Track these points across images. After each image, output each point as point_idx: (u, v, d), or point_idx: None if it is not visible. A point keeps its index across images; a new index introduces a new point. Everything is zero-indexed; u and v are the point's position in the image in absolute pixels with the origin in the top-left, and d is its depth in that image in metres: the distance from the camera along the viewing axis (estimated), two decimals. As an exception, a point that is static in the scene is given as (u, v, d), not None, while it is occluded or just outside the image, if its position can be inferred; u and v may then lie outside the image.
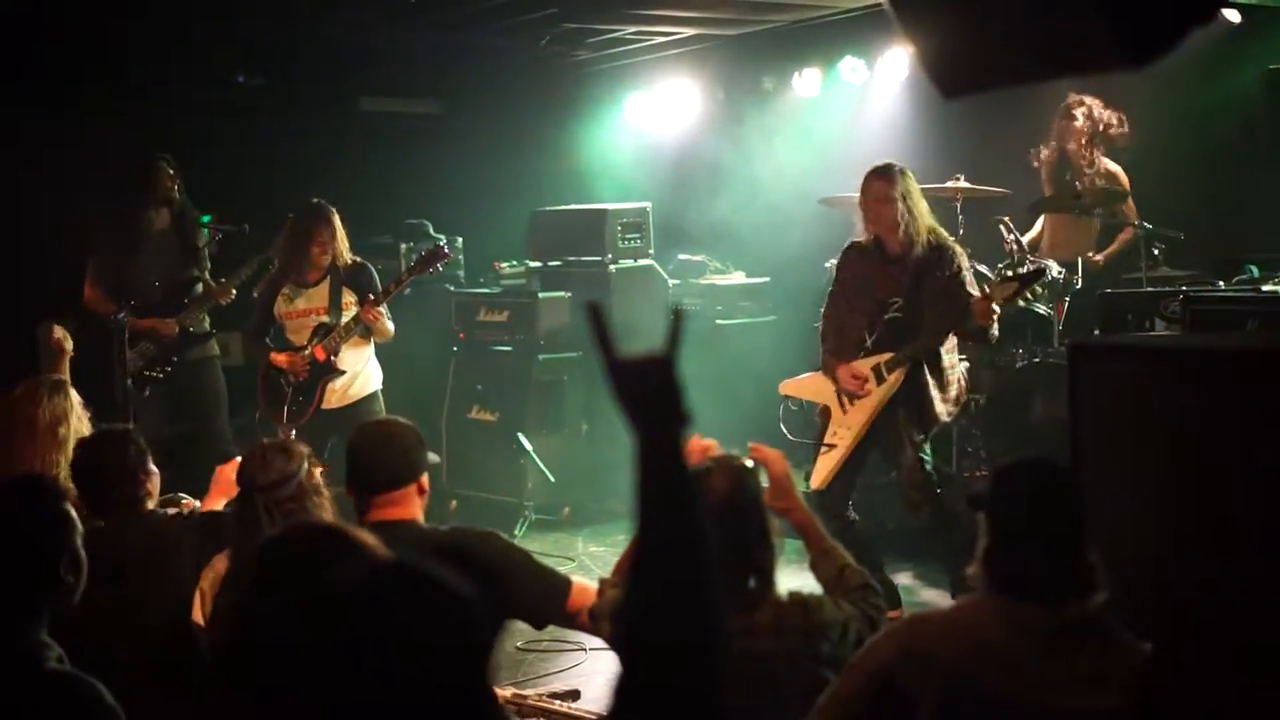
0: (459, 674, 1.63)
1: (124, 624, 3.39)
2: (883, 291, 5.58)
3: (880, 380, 5.52)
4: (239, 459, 4.14)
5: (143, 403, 6.48)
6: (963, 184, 6.82)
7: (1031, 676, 2.51)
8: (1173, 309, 5.56)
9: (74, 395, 4.36)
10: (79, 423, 4.28)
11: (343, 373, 5.97)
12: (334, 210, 6.11)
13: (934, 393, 5.53)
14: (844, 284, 5.72)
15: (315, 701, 1.60)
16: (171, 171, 6.75)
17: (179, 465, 4.74)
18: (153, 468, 3.80)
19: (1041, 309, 6.71)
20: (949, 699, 2.54)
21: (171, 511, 4.02)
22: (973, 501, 2.74)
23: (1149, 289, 6.28)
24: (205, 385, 6.76)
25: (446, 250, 5.95)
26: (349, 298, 6.03)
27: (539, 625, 3.49)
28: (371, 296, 5.99)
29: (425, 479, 3.44)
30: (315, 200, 6.15)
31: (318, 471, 3.51)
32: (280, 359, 5.99)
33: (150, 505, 3.79)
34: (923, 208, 5.57)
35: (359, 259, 6.20)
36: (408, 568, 1.71)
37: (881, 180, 5.55)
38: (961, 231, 6.81)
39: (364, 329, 5.97)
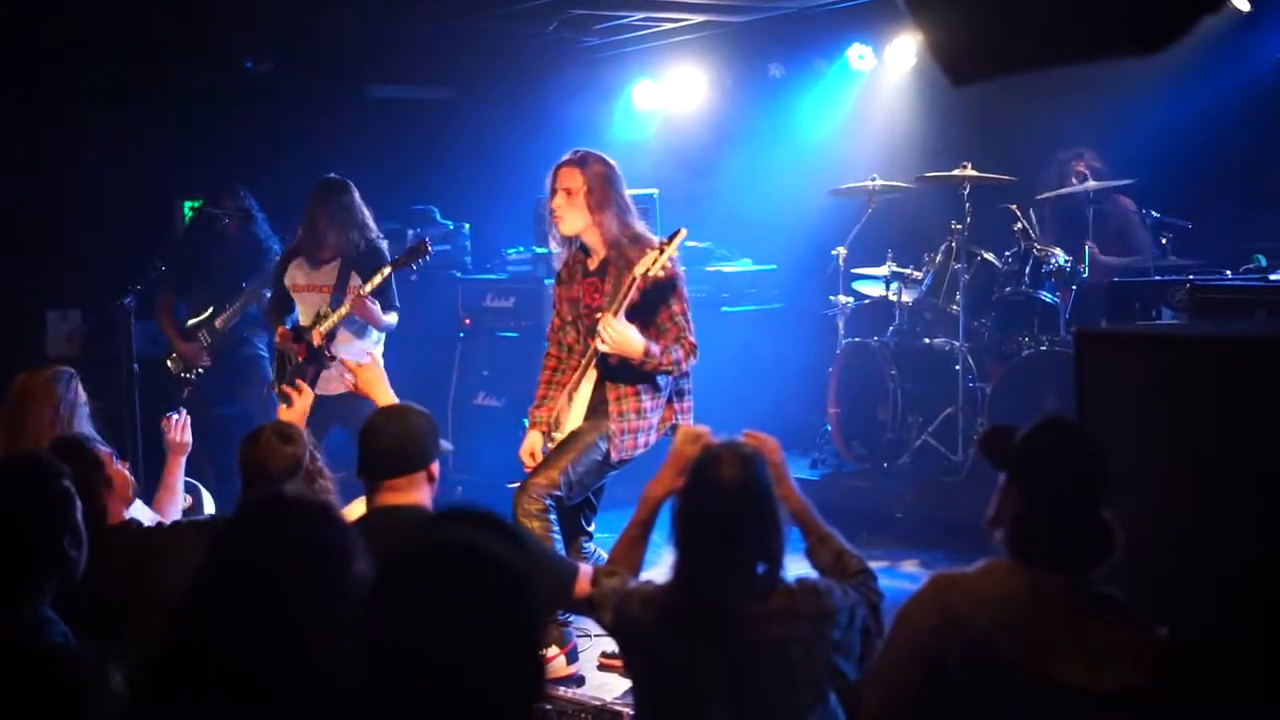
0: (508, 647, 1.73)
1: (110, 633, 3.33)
2: (590, 306, 4.88)
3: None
4: (185, 416, 4.27)
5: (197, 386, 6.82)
6: (970, 171, 6.81)
7: (1050, 648, 2.49)
8: (1180, 298, 5.55)
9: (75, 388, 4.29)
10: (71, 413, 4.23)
11: (334, 359, 5.76)
12: (350, 188, 6.00)
13: (616, 422, 4.79)
14: (559, 312, 5.05)
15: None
16: (228, 219, 6.82)
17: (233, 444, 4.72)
18: (111, 474, 3.49)
19: (1048, 298, 6.70)
20: (969, 665, 2.52)
21: (151, 524, 3.70)
22: (991, 451, 2.70)
23: (1156, 278, 6.28)
24: (254, 375, 6.82)
25: (429, 246, 5.82)
26: (355, 281, 5.91)
27: (547, 611, 3.49)
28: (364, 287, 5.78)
29: (435, 467, 3.45)
30: (332, 176, 6.08)
31: (319, 455, 3.51)
32: (284, 335, 5.93)
33: (125, 513, 3.55)
34: (621, 201, 4.86)
35: (375, 245, 6.03)
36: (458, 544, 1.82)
37: (563, 168, 4.93)
38: (970, 219, 6.82)
39: (354, 318, 5.83)
